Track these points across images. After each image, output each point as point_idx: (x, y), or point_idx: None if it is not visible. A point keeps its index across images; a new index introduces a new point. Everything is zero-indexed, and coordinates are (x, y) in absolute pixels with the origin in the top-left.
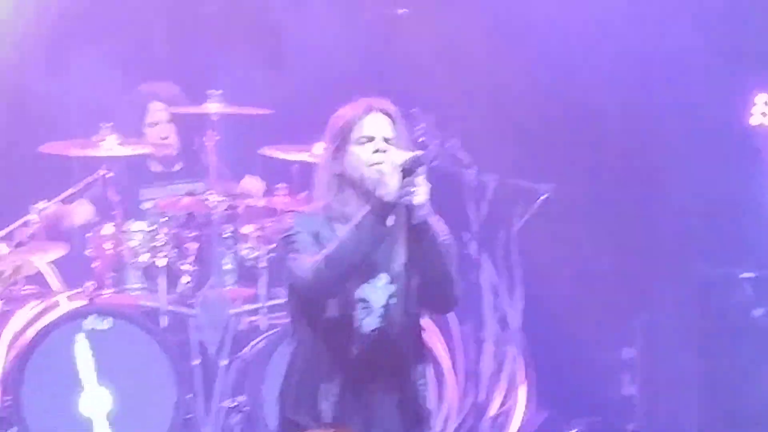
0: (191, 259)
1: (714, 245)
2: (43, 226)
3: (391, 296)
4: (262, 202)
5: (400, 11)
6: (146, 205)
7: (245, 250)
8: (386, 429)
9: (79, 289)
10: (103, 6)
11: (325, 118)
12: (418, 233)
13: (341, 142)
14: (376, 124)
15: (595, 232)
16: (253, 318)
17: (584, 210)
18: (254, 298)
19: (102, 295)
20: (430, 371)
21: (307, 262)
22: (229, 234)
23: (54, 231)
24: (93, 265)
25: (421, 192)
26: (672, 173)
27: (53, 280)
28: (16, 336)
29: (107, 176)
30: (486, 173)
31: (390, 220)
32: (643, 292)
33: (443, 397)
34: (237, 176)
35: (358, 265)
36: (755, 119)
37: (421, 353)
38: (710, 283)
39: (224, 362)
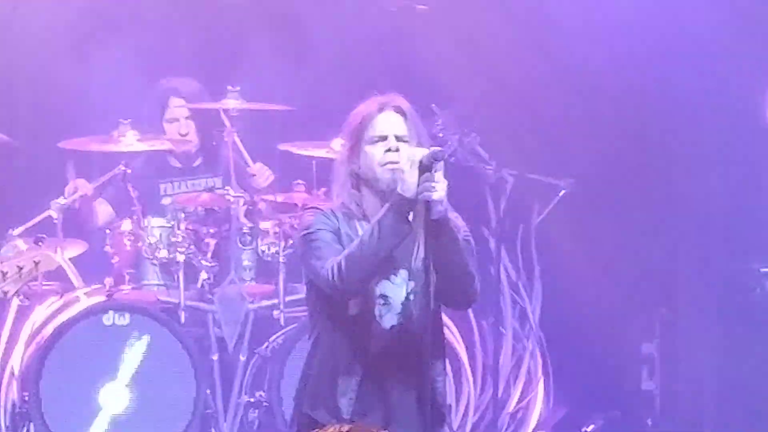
0: (210, 254)
1: (734, 240)
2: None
3: (410, 292)
4: (280, 198)
5: (419, 7)
6: (166, 201)
7: (264, 246)
8: (405, 425)
9: (98, 285)
10: (124, 1)
11: (344, 114)
12: (436, 229)
13: (356, 141)
14: (388, 123)
15: (613, 227)
16: (271, 313)
17: (603, 205)
18: (273, 294)
19: (121, 291)
20: (448, 366)
21: (329, 260)
22: (248, 230)
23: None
24: (112, 261)
25: (439, 188)
26: (692, 169)
27: (73, 276)
28: (36, 332)
29: (127, 172)
30: (505, 168)
31: (409, 216)
32: (663, 287)
33: (462, 393)
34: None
35: (380, 263)
36: None
37: (441, 349)
38: (730, 278)
39: (243, 357)
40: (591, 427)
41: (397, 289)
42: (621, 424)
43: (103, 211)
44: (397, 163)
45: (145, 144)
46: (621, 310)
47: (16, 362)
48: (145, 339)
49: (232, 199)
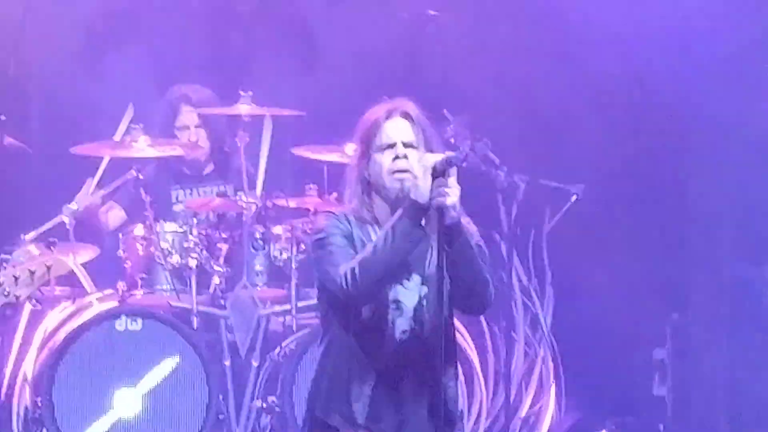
0: (222, 260)
1: (746, 246)
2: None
3: (423, 298)
4: (293, 203)
5: (431, 12)
6: (178, 207)
7: (276, 251)
8: (417, 430)
9: (111, 291)
10: (136, 8)
11: (356, 119)
12: (450, 234)
13: (365, 148)
14: (396, 129)
15: (625, 233)
16: (284, 318)
17: (614, 211)
18: (285, 299)
19: (133, 296)
20: (460, 372)
21: (342, 266)
22: (260, 235)
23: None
24: (125, 266)
25: (452, 193)
26: (703, 174)
27: (85, 282)
28: (48, 337)
29: (138, 177)
30: (516, 174)
31: (422, 221)
32: (675, 293)
33: (474, 398)
34: (268, 177)
35: (394, 269)
36: None
37: (453, 355)
38: (742, 284)
39: (255, 363)
40: None
41: (409, 294)
42: (633, 430)
43: (114, 215)
44: (405, 171)
45: (157, 150)
46: (633, 316)
47: (28, 367)
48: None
49: (244, 205)
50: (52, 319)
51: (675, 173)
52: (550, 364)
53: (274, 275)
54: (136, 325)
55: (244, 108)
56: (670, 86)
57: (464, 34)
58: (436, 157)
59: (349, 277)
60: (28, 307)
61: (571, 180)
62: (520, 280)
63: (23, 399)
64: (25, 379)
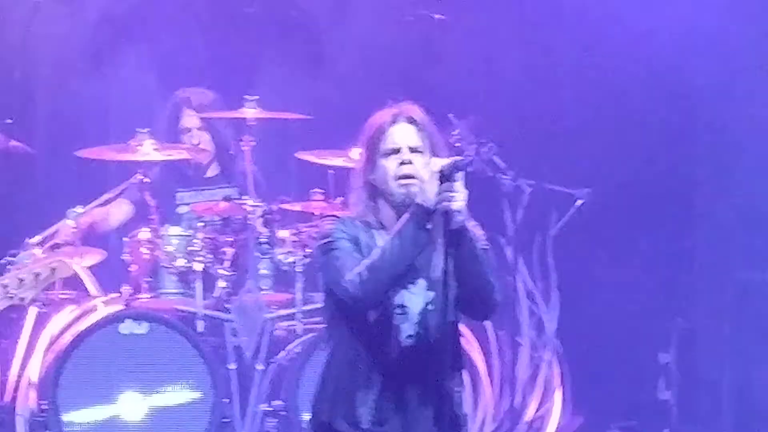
0: (227, 263)
1: (751, 251)
2: (80, 231)
3: (429, 302)
4: (298, 207)
5: (436, 16)
6: (182, 209)
7: (281, 255)
8: None
9: (116, 294)
10: (141, 11)
11: (362, 123)
12: (456, 239)
13: (371, 153)
14: (401, 134)
15: (630, 237)
16: (289, 322)
17: (619, 215)
18: (290, 303)
19: (139, 299)
20: (466, 376)
21: (349, 272)
22: (266, 239)
23: (91, 236)
24: (129, 270)
25: (459, 197)
26: (709, 178)
27: (90, 285)
28: (53, 340)
29: (144, 181)
30: (522, 178)
31: (428, 225)
32: (679, 297)
33: (479, 402)
34: (274, 181)
35: (401, 274)
36: None
37: (459, 359)
38: (746, 288)
39: (260, 366)
40: None
41: (415, 299)
42: None
43: (121, 210)
44: (411, 177)
45: (162, 153)
46: (637, 320)
47: (33, 371)
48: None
49: (249, 208)
50: (57, 322)
51: (680, 178)
52: (555, 369)
53: (279, 279)
54: (141, 329)
55: (249, 112)
56: (677, 91)
57: (470, 39)
58: (442, 162)
59: (356, 282)
60: (33, 311)
61: (576, 184)
62: (525, 285)
63: (28, 402)
64: (29, 383)
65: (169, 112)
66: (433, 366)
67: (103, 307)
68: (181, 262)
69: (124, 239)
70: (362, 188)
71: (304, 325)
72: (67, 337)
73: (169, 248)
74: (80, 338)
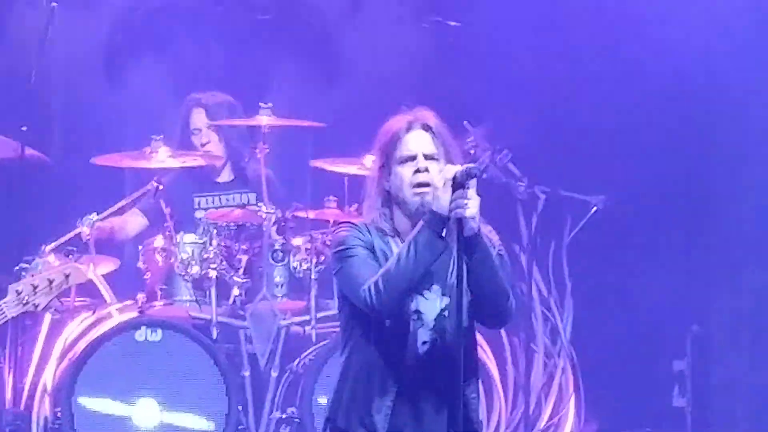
0: (242, 271)
1: (766, 256)
2: (96, 239)
3: (444, 309)
4: (312, 214)
5: (451, 23)
6: (200, 214)
7: (296, 262)
8: None
9: (131, 301)
10: (156, 19)
11: (376, 131)
12: (469, 246)
13: (386, 160)
14: (417, 142)
15: (645, 244)
16: (303, 329)
17: (634, 222)
18: (304, 310)
19: (153, 306)
20: (480, 383)
21: (366, 280)
22: (280, 246)
23: (107, 244)
24: (144, 277)
25: (472, 204)
26: (724, 184)
27: (105, 292)
28: (68, 347)
29: (159, 188)
30: (537, 185)
31: (443, 232)
32: (694, 304)
33: (493, 409)
34: (288, 188)
35: (417, 281)
36: None
37: (474, 366)
38: (762, 295)
39: (275, 373)
40: None
41: (430, 305)
42: None
43: (136, 221)
44: (426, 185)
45: (178, 160)
46: (652, 327)
47: (48, 378)
48: (158, 334)
49: (264, 215)
50: (72, 329)
51: (695, 184)
52: (570, 376)
53: (293, 286)
54: (156, 336)
55: (264, 119)
56: (693, 97)
57: (485, 46)
58: (456, 169)
59: (373, 291)
60: (48, 318)
61: (591, 191)
62: (539, 292)
63: (43, 409)
64: (45, 390)
65: (181, 115)
66: (449, 372)
67: (118, 315)
68: (195, 270)
69: (139, 247)
70: (377, 195)
71: (319, 332)
72: (82, 345)
73: (184, 255)
74: (95, 345)
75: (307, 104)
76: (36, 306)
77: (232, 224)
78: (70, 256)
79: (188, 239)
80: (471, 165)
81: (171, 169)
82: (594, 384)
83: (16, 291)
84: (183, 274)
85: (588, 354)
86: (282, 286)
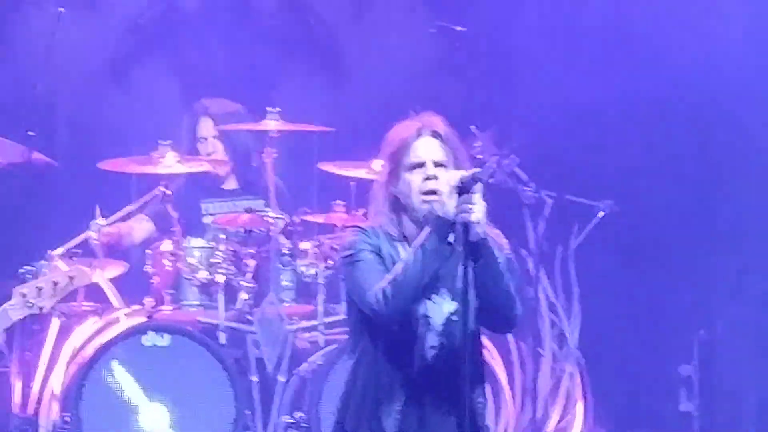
0: (249, 275)
1: None
2: (103, 244)
3: (452, 313)
4: (320, 219)
5: (458, 28)
6: (207, 219)
7: (303, 267)
8: None
9: (138, 306)
10: (162, 23)
11: (383, 135)
12: (475, 250)
13: (394, 166)
14: (426, 149)
15: (652, 249)
16: (311, 334)
17: (641, 227)
18: (312, 315)
19: (161, 311)
20: (487, 388)
21: (373, 286)
22: (287, 250)
23: (114, 249)
24: (152, 282)
25: (477, 209)
26: (730, 189)
27: (113, 297)
28: (76, 352)
29: (166, 193)
30: (543, 190)
31: (450, 237)
32: (701, 309)
33: (501, 414)
34: (295, 193)
35: (425, 287)
36: None
37: (481, 371)
38: None
39: (282, 378)
40: None
41: (438, 309)
42: None
43: (143, 228)
44: (435, 193)
45: (185, 165)
46: (659, 332)
47: (56, 383)
48: (166, 339)
49: (271, 220)
50: (79, 334)
51: (702, 189)
52: (577, 380)
53: (301, 291)
54: (164, 341)
55: (271, 124)
56: (702, 102)
57: (491, 50)
58: (461, 173)
59: (380, 297)
60: (55, 322)
61: (598, 196)
62: (547, 296)
63: (51, 414)
64: (53, 395)
65: (187, 122)
66: (456, 377)
67: (125, 319)
68: (203, 274)
69: (147, 251)
70: (384, 200)
71: (326, 336)
72: (90, 349)
73: (192, 260)
74: (103, 350)
75: (314, 109)
76: (41, 309)
77: (239, 229)
78: (74, 258)
79: (196, 244)
80: (477, 170)
81: (178, 174)
82: (601, 389)
83: (21, 294)
84: (190, 278)
85: (595, 358)
86: (289, 290)
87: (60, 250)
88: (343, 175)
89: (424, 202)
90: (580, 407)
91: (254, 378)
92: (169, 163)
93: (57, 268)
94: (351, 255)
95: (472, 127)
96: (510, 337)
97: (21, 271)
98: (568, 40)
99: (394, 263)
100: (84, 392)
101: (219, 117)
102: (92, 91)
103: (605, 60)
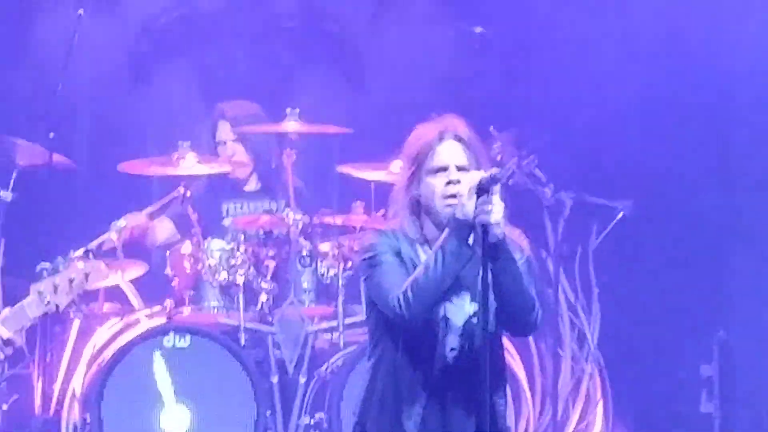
0: (269, 277)
1: None
2: (126, 238)
3: (472, 315)
4: (339, 220)
5: (477, 30)
6: (227, 221)
7: (323, 268)
8: None
9: (159, 307)
10: (182, 26)
11: (402, 137)
12: (494, 252)
13: (416, 169)
14: (449, 153)
15: (672, 249)
16: (331, 335)
17: (661, 227)
18: (332, 316)
19: (181, 312)
20: (507, 389)
21: (394, 288)
22: (307, 252)
23: (137, 244)
24: (172, 283)
25: (496, 210)
26: (750, 189)
27: (133, 298)
28: (97, 353)
29: (186, 194)
30: (563, 191)
31: (470, 239)
32: (721, 309)
33: (521, 415)
34: (315, 194)
35: (446, 289)
36: None
37: (502, 372)
38: None
39: (303, 379)
40: None
41: (458, 311)
42: None
43: (165, 228)
44: (457, 196)
45: (205, 166)
46: (679, 332)
47: (77, 384)
48: (186, 340)
49: (291, 222)
50: (100, 335)
51: (723, 190)
52: (597, 381)
53: (321, 292)
54: (184, 342)
55: (291, 125)
56: (722, 104)
57: (510, 51)
58: (480, 174)
59: (402, 300)
60: (76, 324)
61: (617, 196)
62: (566, 297)
63: (72, 415)
64: (74, 396)
65: (207, 126)
66: (477, 378)
67: (146, 321)
68: (223, 276)
69: (167, 253)
70: (405, 203)
71: (346, 337)
72: (111, 351)
73: (212, 262)
74: (124, 351)
75: (334, 110)
76: (57, 306)
77: (260, 231)
78: (90, 255)
79: (216, 245)
80: (495, 171)
81: (198, 176)
82: (621, 389)
83: (38, 291)
84: (211, 280)
85: (615, 359)
86: (309, 291)
87: (81, 251)
88: (362, 176)
89: (447, 206)
90: (600, 408)
91: (274, 379)
92: (190, 164)
93: (73, 265)
94: (372, 257)
95: (491, 128)
96: (530, 338)
97: (38, 268)
98: (587, 41)
99: (414, 265)
100: (105, 393)
101: (236, 119)
102: (112, 93)
103: (625, 61)
